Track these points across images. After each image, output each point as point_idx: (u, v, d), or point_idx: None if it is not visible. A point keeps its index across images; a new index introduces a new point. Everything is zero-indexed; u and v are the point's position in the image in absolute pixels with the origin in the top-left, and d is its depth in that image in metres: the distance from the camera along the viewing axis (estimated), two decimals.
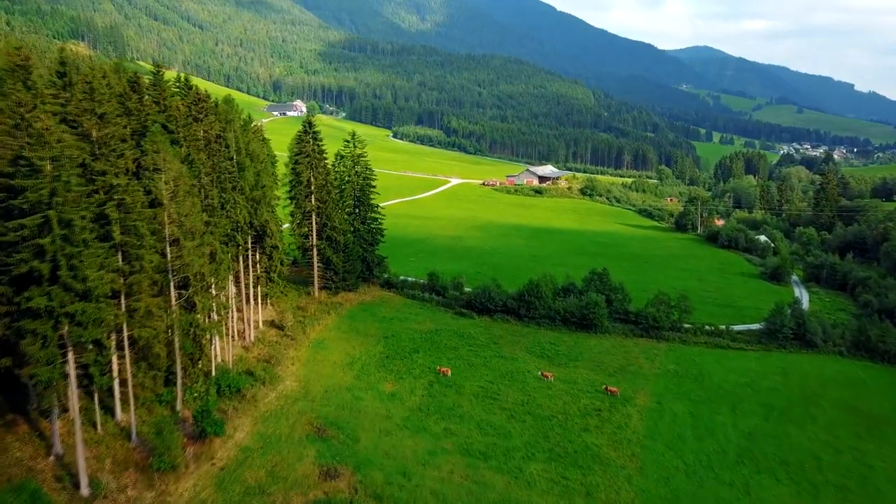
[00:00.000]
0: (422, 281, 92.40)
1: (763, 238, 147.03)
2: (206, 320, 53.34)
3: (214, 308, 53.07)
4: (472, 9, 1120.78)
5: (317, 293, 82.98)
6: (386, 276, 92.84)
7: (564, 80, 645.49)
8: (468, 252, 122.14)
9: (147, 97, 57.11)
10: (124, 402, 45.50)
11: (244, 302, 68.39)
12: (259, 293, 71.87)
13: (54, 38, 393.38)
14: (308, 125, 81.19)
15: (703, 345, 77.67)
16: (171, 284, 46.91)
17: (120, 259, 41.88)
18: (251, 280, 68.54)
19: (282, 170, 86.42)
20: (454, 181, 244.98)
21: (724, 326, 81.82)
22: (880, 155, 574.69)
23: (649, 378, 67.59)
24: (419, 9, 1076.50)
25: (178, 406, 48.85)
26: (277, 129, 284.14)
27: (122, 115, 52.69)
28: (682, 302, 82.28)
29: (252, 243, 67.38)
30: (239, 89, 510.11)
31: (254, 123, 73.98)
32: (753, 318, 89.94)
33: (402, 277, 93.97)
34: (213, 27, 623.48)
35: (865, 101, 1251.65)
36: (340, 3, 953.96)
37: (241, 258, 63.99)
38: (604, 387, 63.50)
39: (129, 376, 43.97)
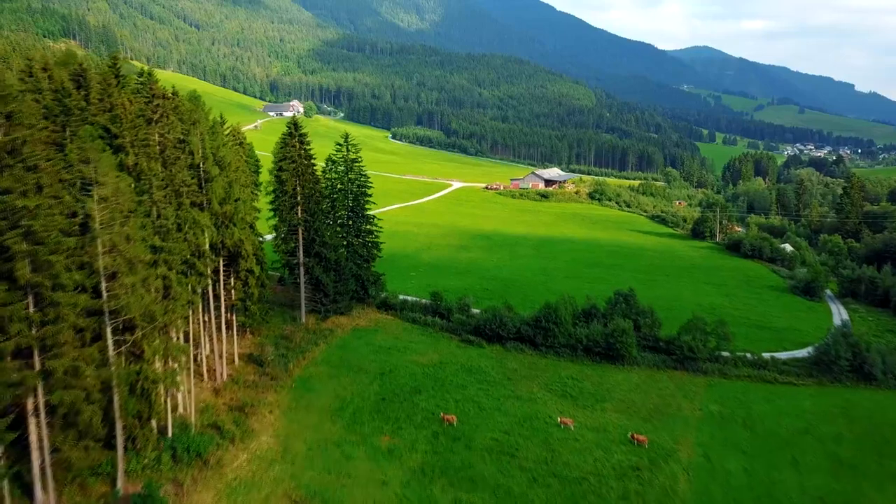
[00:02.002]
0: (424, 301, 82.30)
1: (789, 247, 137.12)
2: (162, 367, 43.46)
3: (170, 353, 43.02)
4: (471, 8, 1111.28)
5: (304, 318, 72.93)
6: (383, 295, 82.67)
7: (566, 80, 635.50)
8: (473, 265, 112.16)
9: (94, 94, 47.51)
10: (49, 477, 35.62)
11: (216, 331, 58.54)
12: (235, 322, 61.89)
13: (44, 36, 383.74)
14: (294, 126, 70.87)
15: (747, 378, 67.56)
16: (108, 330, 36.93)
17: (31, 304, 31.97)
18: (223, 307, 58.52)
19: (267, 177, 76.48)
20: (456, 184, 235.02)
21: (767, 356, 71.80)
22: (885, 156, 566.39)
23: (690, 423, 57.58)
24: (418, 8, 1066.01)
25: (120, 481, 38.86)
26: (274, 129, 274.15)
27: (61, 114, 43.23)
28: (720, 328, 72.32)
29: (225, 265, 57.37)
30: (235, 89, 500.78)
31: (227, 125, 63.73)
32: (795, 342, 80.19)
33: (401, 297, 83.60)
34: (209, 26, 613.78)
35: (866, 102, 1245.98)
36: (338, 2, 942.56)
37: (210, 286, 53.98)
38: (630, 434, 53.70)
39: (45, 453, 34.00)
